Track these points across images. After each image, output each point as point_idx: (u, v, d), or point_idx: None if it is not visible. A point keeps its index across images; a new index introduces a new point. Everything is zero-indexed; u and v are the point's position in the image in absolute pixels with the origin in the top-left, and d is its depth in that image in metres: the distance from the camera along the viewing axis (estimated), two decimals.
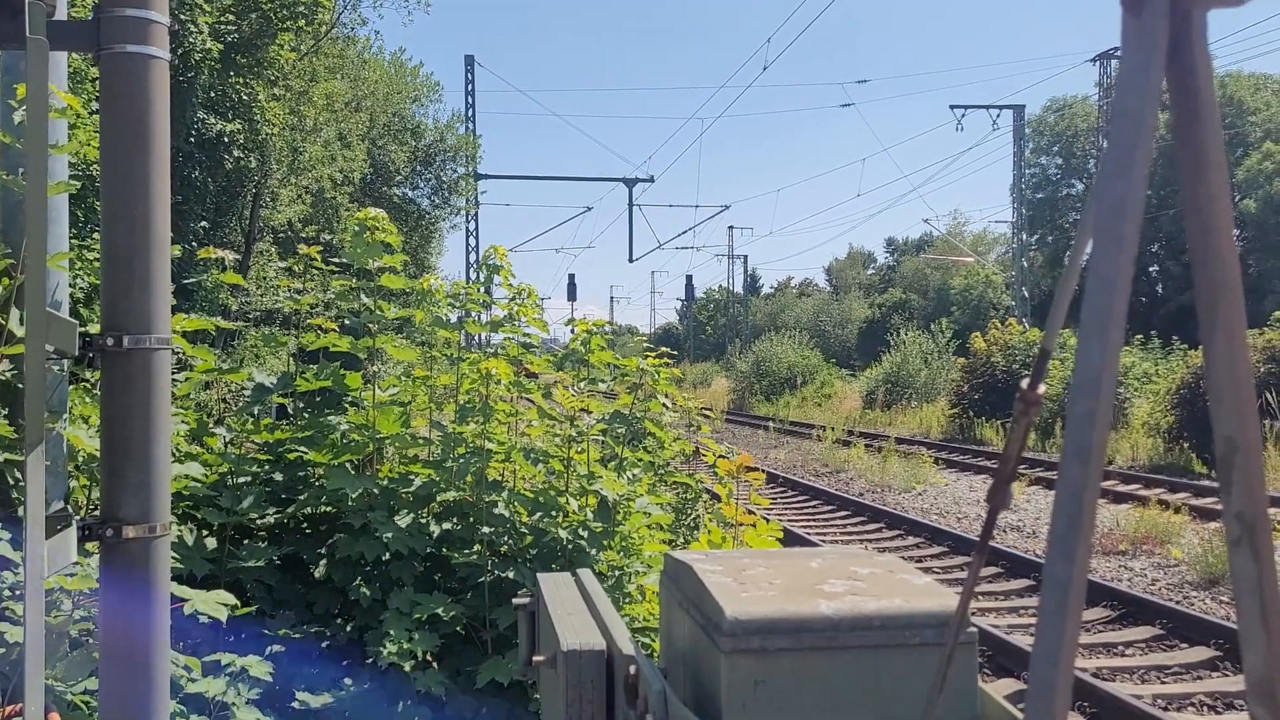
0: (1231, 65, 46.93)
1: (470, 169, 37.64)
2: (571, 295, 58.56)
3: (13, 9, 1.80)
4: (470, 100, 40.14)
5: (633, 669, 1.86)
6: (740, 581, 1.76)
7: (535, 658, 2.25)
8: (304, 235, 20.96)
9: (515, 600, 2.47)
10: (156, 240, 2.19)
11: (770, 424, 31.66)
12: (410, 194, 34.91)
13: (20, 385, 3.40)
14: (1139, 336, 29.91)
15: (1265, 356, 19.13)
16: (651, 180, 44.52)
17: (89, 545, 2.28)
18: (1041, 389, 1.15)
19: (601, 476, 4.45)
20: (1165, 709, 6.48)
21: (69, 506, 3.43)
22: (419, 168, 34.25)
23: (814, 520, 15.00)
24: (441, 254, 34.02)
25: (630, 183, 43.31)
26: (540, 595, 2.33)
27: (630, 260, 74.92)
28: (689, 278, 73.80)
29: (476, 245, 40.52)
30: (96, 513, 2.29)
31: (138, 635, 2.21)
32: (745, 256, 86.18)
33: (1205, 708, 6.90)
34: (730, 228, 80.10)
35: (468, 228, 40.56)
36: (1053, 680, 0.85)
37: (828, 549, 1.76)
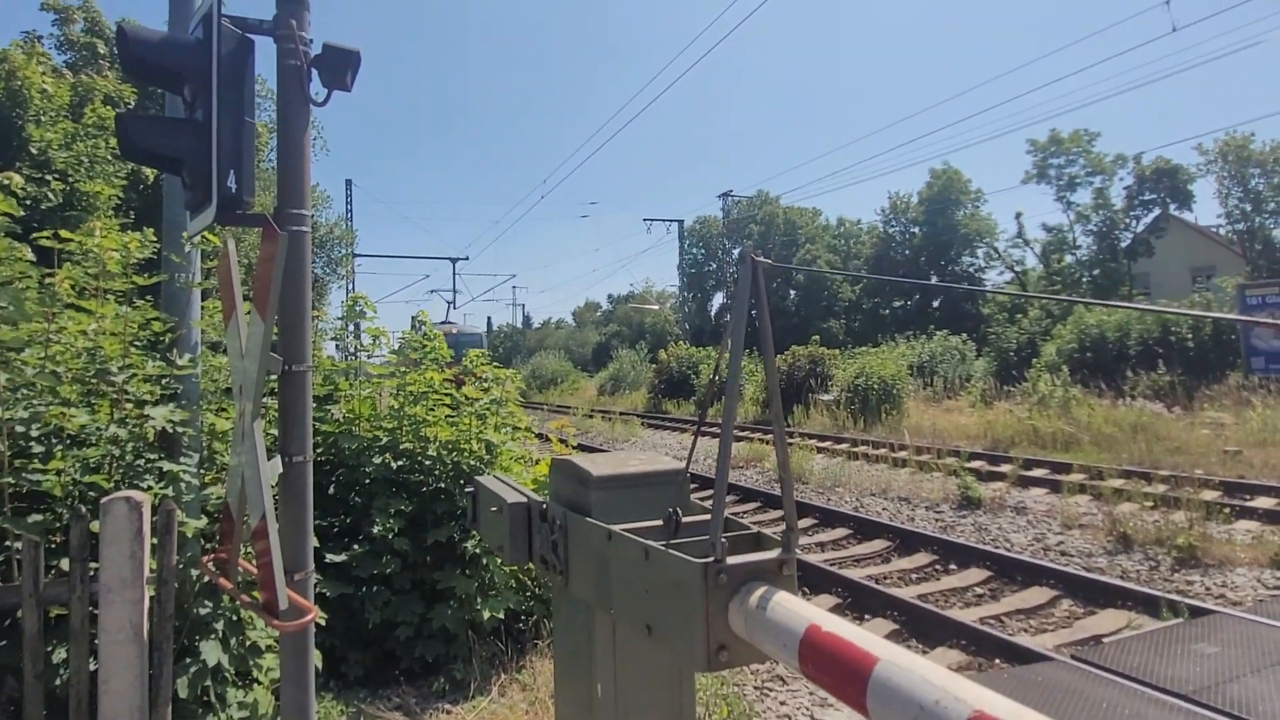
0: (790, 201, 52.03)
1: (349, 250, 37.19)
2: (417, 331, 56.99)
3: (242, 205, 2.35)
4: (349, 207, 39.55)
5: (545, 506, 2.51)
6: (594, 463, 2.44)
7: (492, 508, 2.76)
8: None
9: (468, 489, 2.88)
10: (306, 316, 2.71)
11: (544, 407, 32.13)
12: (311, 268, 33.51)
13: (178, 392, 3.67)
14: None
15: (790, 365, 21.61)
16: (467, 259, 45.17)
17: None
18: (721, 373, 1.96)
19: (489, 433, 5.00)
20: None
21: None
22: (316, 250, 32.99)
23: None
24: (327, 306, 33.59)
25: (454, 260, 42.97)
26: (480, 485, 2.80)
27: (454, 308, 73.48)
28: (489, 318, 73.30)
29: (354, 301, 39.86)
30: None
31: (300, 509, 2.70)
32: (524, 304, 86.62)
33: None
34: (514, 288, 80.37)
35: (348, 288, 39.16)
36: (721, 497, 1.71)
37: (626, 451, 2.31)
